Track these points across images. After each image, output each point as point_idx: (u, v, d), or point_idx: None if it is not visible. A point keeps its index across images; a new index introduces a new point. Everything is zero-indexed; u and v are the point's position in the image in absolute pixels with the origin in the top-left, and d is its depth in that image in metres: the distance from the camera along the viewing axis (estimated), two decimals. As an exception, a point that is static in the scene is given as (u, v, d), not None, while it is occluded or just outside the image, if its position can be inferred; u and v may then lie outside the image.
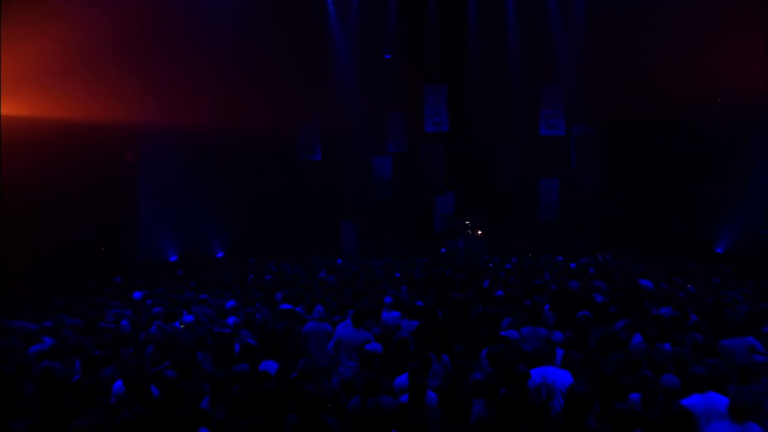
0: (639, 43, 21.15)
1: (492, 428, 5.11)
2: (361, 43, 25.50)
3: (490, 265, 19.17)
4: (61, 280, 14.74)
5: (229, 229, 23.89)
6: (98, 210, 18.47)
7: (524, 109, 25.01)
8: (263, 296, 12.20)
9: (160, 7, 18.86)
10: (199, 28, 20.24)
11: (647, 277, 14.65)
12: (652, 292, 11.74)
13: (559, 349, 7.74)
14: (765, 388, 6.19)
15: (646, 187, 23.61)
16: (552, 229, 25.27)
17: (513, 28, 25.23)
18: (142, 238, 20.12)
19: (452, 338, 8.17)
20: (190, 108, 19.99)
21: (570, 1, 24.35)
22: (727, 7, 19.77)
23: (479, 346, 8.18)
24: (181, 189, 21.36)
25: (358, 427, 5.47)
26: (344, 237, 25.90)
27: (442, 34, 25.60)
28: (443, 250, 20.69)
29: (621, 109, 23.20)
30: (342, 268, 18.72)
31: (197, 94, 19.96)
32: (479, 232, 25.16)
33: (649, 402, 5.50)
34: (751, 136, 20.46)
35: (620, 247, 22.32)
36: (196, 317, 9.59)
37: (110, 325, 9.71)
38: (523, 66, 25.08)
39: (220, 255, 24.02)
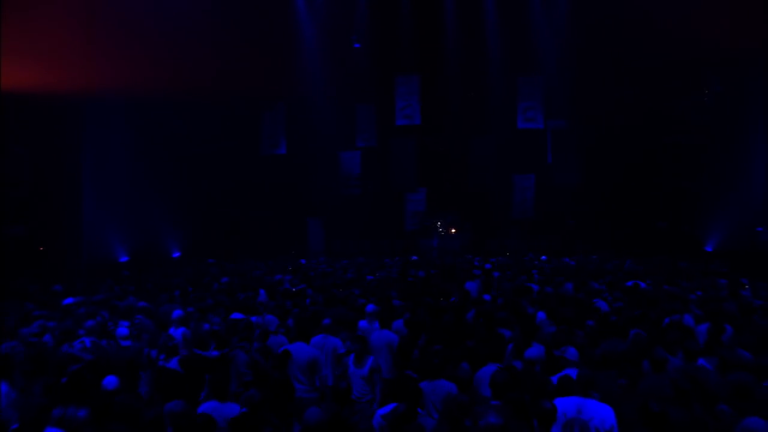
0: (623, 32, 20.07)
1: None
2: (329, 30, 23.94)
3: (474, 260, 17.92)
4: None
5: (186, 227, 22.18)
6: (34, 203, 16.42)
7: (501, 102, 23.81)
8: (218, 302, 10.55)
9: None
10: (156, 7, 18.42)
11: (640, 277, 13.49)
12: (656, 296, 10.40)
13: (573, 370, 6.37)
14: None
15: (627, 183, 22.66)
16: (528, 227, 24.15)
17: (491, 15, 23.94)
18: (86, 236, 17.98)
19: (450, 357, 6.68)
20: (143, 89, 18.24)
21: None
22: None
23: (477, 365, 6.78)
24: (133, 182, 19.53)
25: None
26: (310, 235, 24.74)
27: (415, 22, 24.19)
28: (414, 257, 19.34)
29: (602, 101, 22.55)
30: (307, 268, 17.17)
31: (153, 76, 18.24)
32: (453, 231, 24.02)
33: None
34: (740, 128, 19.43)
35: (601, 246, 21.25)
36: (130, 330, 7.98)
37: (32, 339, 8.09)
38: (500, 56, 23.84)
39: (176, 255, 22.26)
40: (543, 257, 18.98)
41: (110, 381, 5.89)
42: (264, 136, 24.47)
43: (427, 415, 5.98)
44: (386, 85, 24.29)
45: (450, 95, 24.38)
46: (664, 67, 20.32)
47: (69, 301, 10.28)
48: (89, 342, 7.41)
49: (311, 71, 23.94)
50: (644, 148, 21.95)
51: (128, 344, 7.67)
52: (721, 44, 18.93)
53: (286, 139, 24.49)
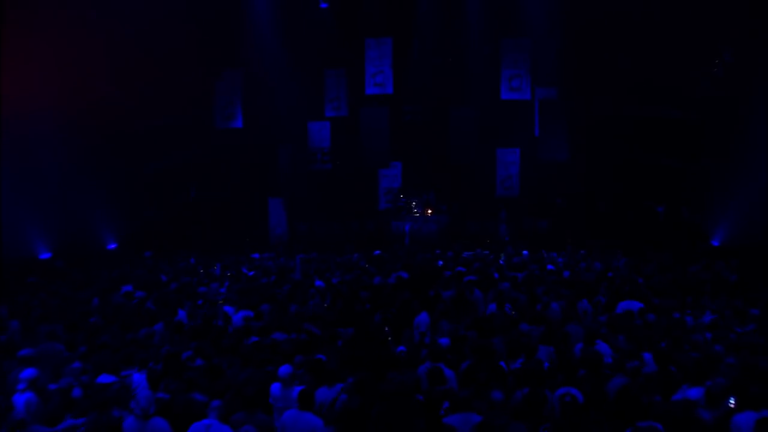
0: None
1: None
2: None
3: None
4: None
5: (125, 214, 19.85)
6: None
7: (483, 68, 22.11)
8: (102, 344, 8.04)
9: None
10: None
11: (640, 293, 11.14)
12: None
13: None
14: None
15: (622, 161, 20.92)
16: (512, 207, 22.48)
17: (472, -31, 21.91)
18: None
19: None
20: (69, 56, 15.73)
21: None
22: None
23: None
24: (59, 165, 16.83)
25: None
26: (271, 218, 22.77)
27: (387, -22, 22.30)
28: (377, 252, 17.08)
29: (596, 68, 20.80)
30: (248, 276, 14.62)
31: (80, 34, 15.96)
32: (429, 212, 21.90)
33: None
34: (753, 104, 17.00)
35: (590, 235, 19.62)
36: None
37: None
38: (483, 16, 21.88)
39: (111, 247, 19.71)
40: (524, 252, 16.78)
41: None
42: (217, 107, 22.29)
43: None
44: (356, 49, 22.32)
45: (426, 61, 22.76)
46: (667, 32, 18.02)
47: None
48: None
49: (271, 34, 21.85)
50: (643, 123, 19.91)
51: None
52: (734, 8, 16.59)
53: (243, 110, 22.40)
